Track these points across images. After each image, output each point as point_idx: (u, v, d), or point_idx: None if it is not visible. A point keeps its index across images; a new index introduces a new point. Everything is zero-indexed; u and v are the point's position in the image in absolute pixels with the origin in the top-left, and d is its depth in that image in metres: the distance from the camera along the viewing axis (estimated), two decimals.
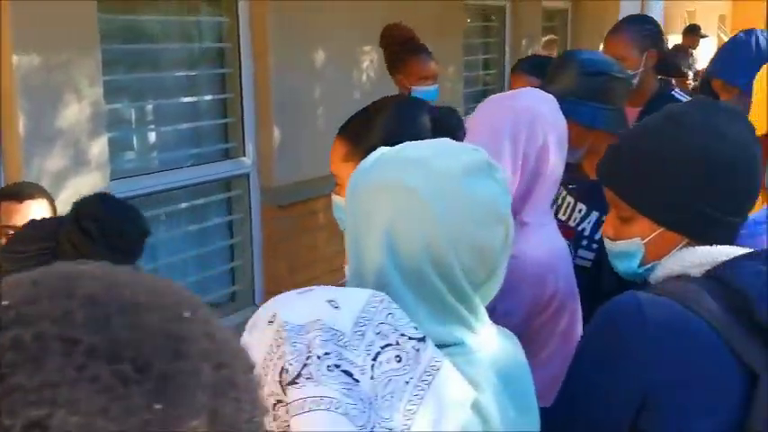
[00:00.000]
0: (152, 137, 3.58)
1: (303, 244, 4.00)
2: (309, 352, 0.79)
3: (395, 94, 3.44)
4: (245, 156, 3.78)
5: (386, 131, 1.48)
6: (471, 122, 1.81)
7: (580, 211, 2.06)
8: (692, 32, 9.94)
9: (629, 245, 1.25)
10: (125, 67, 3.35)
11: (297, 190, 3.88)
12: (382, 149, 1.07)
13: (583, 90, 1.93)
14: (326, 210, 4.09)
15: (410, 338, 0.85)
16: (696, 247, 1.19)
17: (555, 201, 2.15)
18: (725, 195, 1.19)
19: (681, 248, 1.20)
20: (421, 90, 3.24)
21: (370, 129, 1.51)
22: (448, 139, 1.06)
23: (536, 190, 1.79)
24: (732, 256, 1.14)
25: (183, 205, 3.57)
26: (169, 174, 3.46)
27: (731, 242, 1.20)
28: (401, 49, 3.22)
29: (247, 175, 3.80)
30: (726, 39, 13.87)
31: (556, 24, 7.44)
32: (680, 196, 1.20)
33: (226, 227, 3.87)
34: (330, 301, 0.84)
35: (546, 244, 1.78)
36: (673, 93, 2.89)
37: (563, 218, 2.09)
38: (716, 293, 1.11)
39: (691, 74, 8.92)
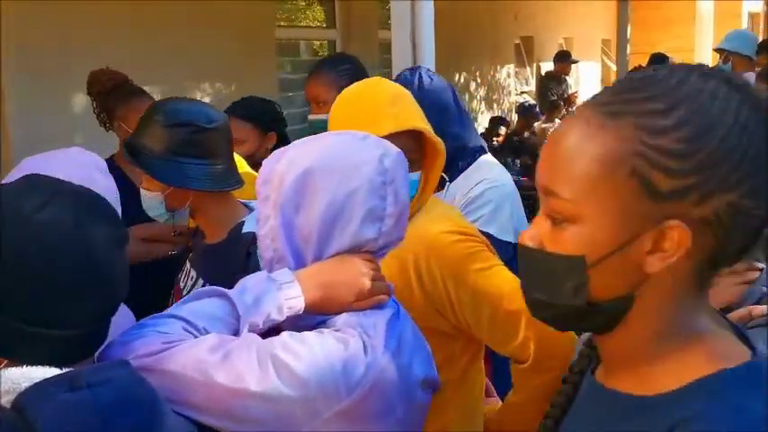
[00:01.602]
0: None
1: None
2: None
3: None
4: None
5: None
6: None
7: (192, 278, 1.82)
8: (563, 59, 10.02)
9: None
10: None
11: None
12: None
13: (170, 144, 1.71)
14: None
15: None
16: (6, 370, 0.96)
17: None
18: (19, 299, 0.95)
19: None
20: None
21: None
22: None
23: None
24: (35, 381, 0.92)
25: None
26: None
27: (64, 360, 0.97)
28: (116, 94, 2.96)
29: None
30: (609, 63, 13.97)
31: None
32: None
33: None
34: None
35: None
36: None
37: (182, 285, 1.86)
38: (16, 430, 0.88)
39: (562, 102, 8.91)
